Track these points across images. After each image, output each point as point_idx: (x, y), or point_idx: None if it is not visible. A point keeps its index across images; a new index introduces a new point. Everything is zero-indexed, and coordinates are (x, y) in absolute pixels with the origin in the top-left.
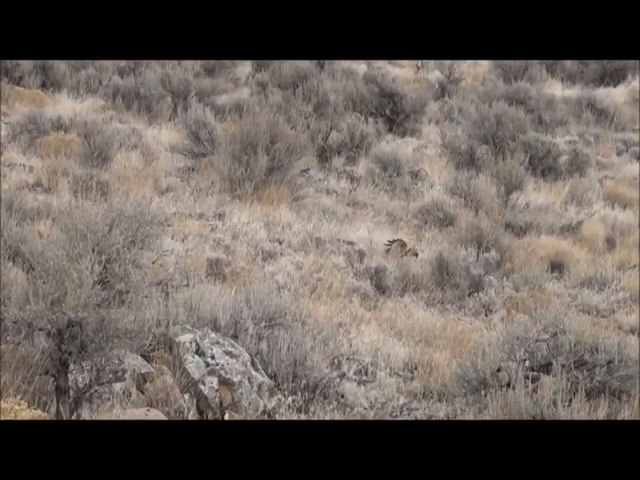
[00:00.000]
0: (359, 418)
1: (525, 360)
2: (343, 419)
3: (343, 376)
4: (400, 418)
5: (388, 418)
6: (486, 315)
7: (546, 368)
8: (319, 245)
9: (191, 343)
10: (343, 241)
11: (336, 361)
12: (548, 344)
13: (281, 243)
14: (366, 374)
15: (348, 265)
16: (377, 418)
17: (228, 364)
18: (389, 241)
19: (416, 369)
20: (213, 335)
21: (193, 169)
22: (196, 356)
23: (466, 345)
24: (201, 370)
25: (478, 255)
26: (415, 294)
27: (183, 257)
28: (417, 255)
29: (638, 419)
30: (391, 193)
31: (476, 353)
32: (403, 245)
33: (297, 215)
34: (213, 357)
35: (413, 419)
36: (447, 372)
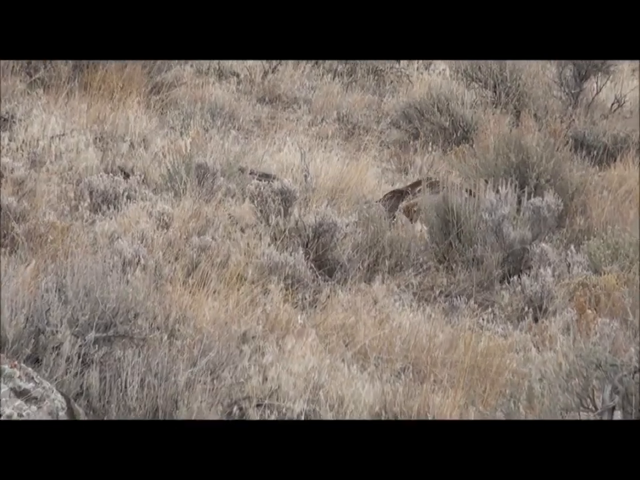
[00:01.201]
0: None
1: (614, 408)
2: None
3: None
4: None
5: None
6: (535, 320)
7: None
8: (204, 180)
9: None
10: (252, 173)
11: (236, 409)
12: None
13: (127, 176)
14: None
15: (261, 219)
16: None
17: (21, 414)
18: (390, 193)
19: None
20: None
21: None
22: None
23: (496, 378)
24: None
25: (520, 202)
26: (395, 277)
27: None
28: (414, 214)
29: (638, 418)
30: (348, 77)
31: (516, 394)
32: (401, 195)
33: (160, 121)
34: None
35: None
36: None
